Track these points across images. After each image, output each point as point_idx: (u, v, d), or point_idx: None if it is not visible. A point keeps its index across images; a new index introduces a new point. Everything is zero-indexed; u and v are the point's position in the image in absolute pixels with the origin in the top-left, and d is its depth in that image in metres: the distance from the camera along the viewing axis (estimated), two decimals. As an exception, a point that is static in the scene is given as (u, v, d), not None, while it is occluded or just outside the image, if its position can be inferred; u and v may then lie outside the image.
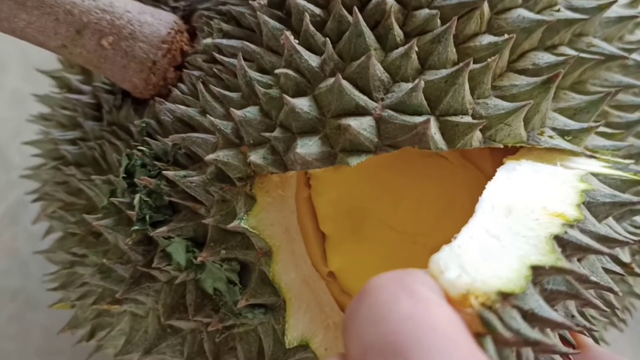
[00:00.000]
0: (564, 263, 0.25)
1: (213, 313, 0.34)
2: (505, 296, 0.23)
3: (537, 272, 0.25)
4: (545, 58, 0.35)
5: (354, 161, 0.30)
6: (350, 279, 0.37)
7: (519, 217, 0.27)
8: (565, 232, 0.26)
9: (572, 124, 0.35)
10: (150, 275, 0.35)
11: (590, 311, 0.41)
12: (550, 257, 0.25)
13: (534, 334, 0.23)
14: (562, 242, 0.26)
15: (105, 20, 0.35)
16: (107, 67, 0.36)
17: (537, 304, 0.24)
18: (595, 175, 0.32)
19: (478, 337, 0.22)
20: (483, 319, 0.22)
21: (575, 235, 0.27)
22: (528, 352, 0.26)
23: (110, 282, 0.36)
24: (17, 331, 0.55)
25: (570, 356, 0.32)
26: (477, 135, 0.32)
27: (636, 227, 0.39)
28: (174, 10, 0.39)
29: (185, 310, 0.34)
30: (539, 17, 0.35)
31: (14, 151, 0.60)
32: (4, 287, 0.56)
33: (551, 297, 0.27)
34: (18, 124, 0.60)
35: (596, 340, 0.43)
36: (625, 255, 0.39)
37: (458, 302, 0.22)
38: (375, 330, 0.20)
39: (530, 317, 0.24)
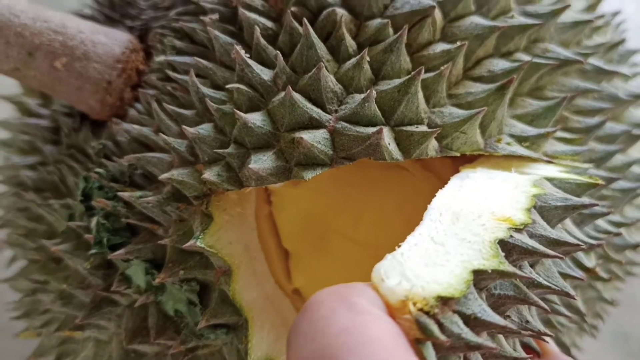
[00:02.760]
0: (506, 267, 0.25)
1: (175, 335, 0.33)
2: (445, 301, 0.23)
3: (480, 277, 0.24)
4: (500, 65, 0.35)
5: (309, 175, 0.29)
6: (316, 295, 0.37)
7: (465, 223, 0.27)
8: (511, 236, 0.26)
9: (530, 130, 0.35)
10: (111, 299, 0.34)
11: (559, 318, 0.41)
12: (493, 261, 0.25)
13: (475, 338, 0.23)
14: (507, 247, 0.26)
15: (57, 42, 0.35)
16: (62, 89, 0.36)
17: (480, 308, 0.24)
18: (550, 180, 0.32)
19: (417, 343, 0.22)
20: (420, 325, 0.22)
21: (522, 239, 0.27)
22: (477, 358, 0.26)
23: (72, 308, 0.35)
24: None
25: None
26: (433, 144, 0.32)
27: (600, 232, 0.39)
28: (130, 30, 0.39)
29: (148, 334, 0.33)
30: (492, 23, 0.35)
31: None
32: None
33: (500, 303, 0.27)
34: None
35: (567, 347, 0.43)
36: (590, 261, 0.38)
37: (397, 309, 0.22)
38: (312, 344, 0.20)
39: (474, 321, 0.24)
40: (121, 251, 0.32)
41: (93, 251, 0.33)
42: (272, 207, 0.36)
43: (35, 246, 0.38)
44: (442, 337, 0.22)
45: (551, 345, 0.34)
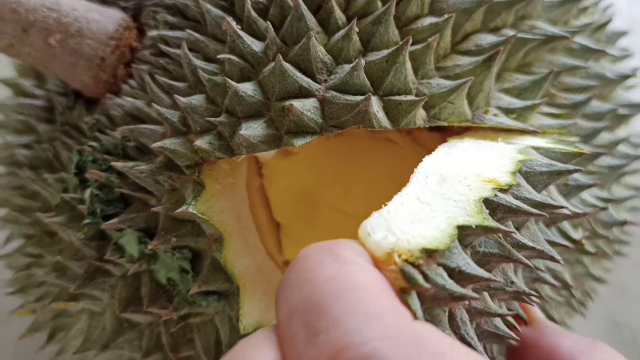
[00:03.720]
0: (490, 222, 0.25)
1: (167, 304, 0.34)
2: (430, 253, 0.23)
3: (465, 232, 0.25)
4: (487, 39, 0.36)
5: (299, 142, 0.30)
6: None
7: (451, 184, 0.28)
8: (495, 195, 0.27)
9: (517, 103, 0.36)
10: (104, 270, 0.34)
11: (547, 291, 0.42)
12: (477, 217, 0.25)
13: (459, 289, 0.23)
14: (491, 205, 0.27)
15: (51, 19, 0.35)
16: (56, 65, 0.36)
17: (464, 262, 0.25)
18: (536, 148, 0.33)
19: (402, 293, 0.22)
20: (405, 274, 0.22)
21: (506, 198, 0.28)
22: (462, 314, 0.27)
23: (66, 280, 0.36)
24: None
25: (520, 329, 0.32)
26: (421, 113, 0.33)
27: (586, 206, 0.40)
28: (124, 10, 0.40)
29: (141, 303, 0.34)
30: (479, -3, 0.35)
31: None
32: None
33: (484, 260, 0.27)
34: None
35: (555, 322, 0.43)
36: (576, 233, 0.39)
37: (383, 262, 0.23)
38: (299, 293, 0.21)
39: (458, 274, 0.24)
40: (114, 220, 0.33)
41: (87, 221, 0.33)
42: (263, 180, 0.36)
43: (30, 221, 0.39)
44: (426, 285, 0.23)
45: (537, 313, 0.35)
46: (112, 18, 0.37)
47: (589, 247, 0.41)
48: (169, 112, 0.32)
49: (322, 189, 0.37)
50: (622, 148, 0.46)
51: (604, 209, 0.41)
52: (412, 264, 0.23)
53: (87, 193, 0.34)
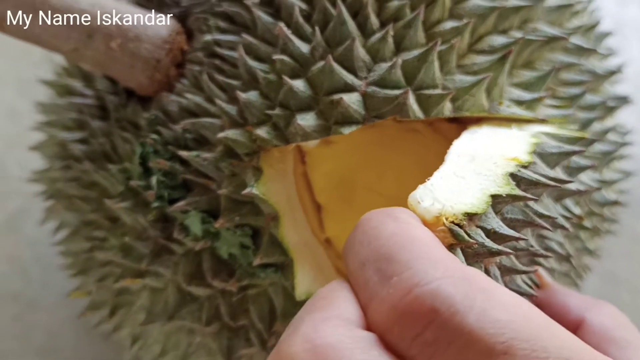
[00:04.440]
0: (517, 191, 0.31)
1: (227, 277, 0.38)
2: (470, 217, 0.28)
3: (496, 200, 0.30)
4: (499, 40, 0.41)
5: (346, 130, 0.35)
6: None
7: (480, 162, 0.33)
8: (519, 170, 0.32)
9: (525, 95, 0.41)
10: (168, 248, 0.39)
11: (552, 264, 0.47)
12: (506, 187, 0.31)
13: (496, 245, 0.29)
14: (516, 178, 0.32)
15: (113, 25, 0.39)
16: (116, 67, 0.40)
17: (497, 224, 0.30)
18: (544, 134, 0.38)
19: (450, 248, 0.27)
20: (453, 232, 0.27)
21: (528, 173, 0.33)
22: (495, 271, 0.32)
23: (132, 259, 0.40)
24: (19, 331, 0.58)
25: (534, 288, 0.37)
26: (448, 105, 0.37)
27: (585, 185, 0.45)
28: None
29: (203, 277, 0.38)
30: (491, 4, 0.40)
31: (12, 162, 0.63)
32: (6, 291, 0.59)
33: (511, 225, 0.32)
34: (13, 137, 0.63)
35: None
36: (577, 209, 0.45)
37: (432, 224, 0.28)
38: (368, 247, 0.25)
39: (493, 235, 0.30)
40: (181, 203, 0.37)
41: (155, 204, 0.37)
42: (306, 166, 0.41)
43: (92, 208, 0.42)
44: (471, 241, 0.28)
45: (547, 277, 0.40)
46: (164, 24, 0.41)
47: (586, 222, 0.47)
48: (228, 107, 0.37)
49: (358, 173, 0.41)
50: (611, 136, 0.52)
51: (598, 189, 0.46)
52: (458, 225, 0.28)
53: (154, 180, 0.38)
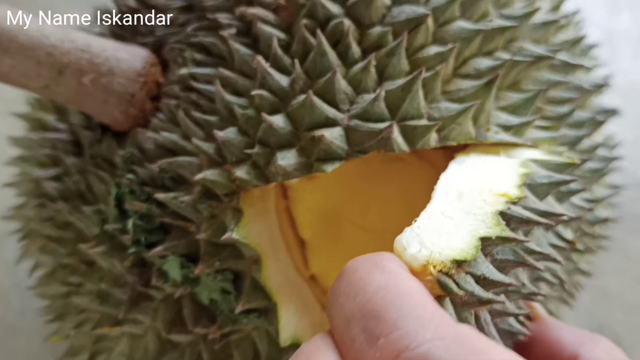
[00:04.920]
0: (507, 233, 0.29)
1: (209, 323, 0.36)
2: (459, 264, 0.27)
3: (486, 243, 0.29)
4: (484, 63, 0.40)
5: (329, 168, 0.33)
6: (330, 279, 0.40)
7: (469, 199, 0.31)
8: (509, 208, 0.31)
9: (513, 120, 0.40)
10: (147, 295, 0.37)
11: (543, 287, 0.46)
12: (496, 229, 0.29)
13: (486, 294, 0.27)
14: (506, 217, 0.31)
15: (84, 60, 0.38)
16: (88, 103, 0.39)
17: (487, 269, 0.28)
18: (534, 161, 0.37)
19: (438, 299, 0.26)
20: (441, 283, 0.26)
21: (518, 210, 0.31)
22: (485, 316, 0.30)
23: (109, 306, 0.38)
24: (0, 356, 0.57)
25: (527, 325, 0.36)
26: (434, 135, 0.36)
27: (575, 208, 0.44)
28: (143, 46, 0.42)
29: (183, 324, 0.36)
30: (476, 26, 0.39)
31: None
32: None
33: (502, 266, 0.31)
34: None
35: (551, 314, 0.48)
36: (569, 234, 0.43)
37: (420, 273, 0.26)
38: (354, 301, 0.24)
39: (483, 281, 0.28)
40: (159, 248, 0.35)
41: (132, 250, 0.36)
42: (288, 201, 0.39)
43: (67, 251, 0.41)
44: (460, 292, 0.26)
45: (540, 310, 0.39)
46: (138, 56, 0.40)
47: (578, 245, 0.45)
48: (205, 145, 0.35)
49: (342, 207, 0.40)
50: (600, 151, 0.51)
51: (590, 209, 0.45)
52: (446, 274, 0.27)
53: (130, 223, 0.36)
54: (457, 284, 0.27)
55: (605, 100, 0.54)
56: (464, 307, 0.28)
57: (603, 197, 0.51)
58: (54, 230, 0.42)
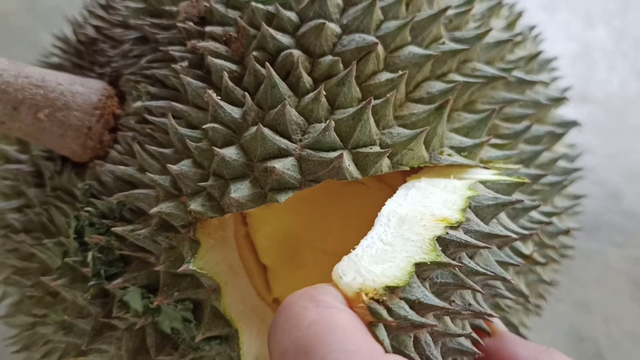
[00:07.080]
0: (442, 258, 0.30)
1: (172, 351, 0.37)
2: (392, 290, 0.28)
3: (422, 268, 0.30)
4: (437, 86, 0.41)
5: (283, 198, 0.34)
6: (294, 302, 0.41)
7: (410, 225, 0.32)
8: (447, 233, 0.32)
9: (467, 141, 0.41)
10: (110, 324, 0.37)
11: (505, 301, 0.47)
12: (431, 254, 0.30)
13: (419, 318, 0.28)
14: (444, 242, 0.32)
15: (39, 95, 0.38)
16: (46, 137, 0.39)
17: (422, 294, 0.29)
18: (483, 182, 0.37)
19: (372, 326, 0.27)
20: (372, 310, 0.27)
21: (457, 235, 0.32)
22: (426, 337, 0.31)
23: (73, 336, 0.38)
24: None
25: (484, 342, 0.37)
26: (386, 161, 0.37)
27: (534, 223, 0.45)
28: (100, 76, 0.43)
29: (147, 353, 0.37)
30: (427, 52, 0.40)
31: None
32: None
33: (442, 289, 0.32)
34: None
35: (515, 327, 0.49)
36: (527, 248, 0.44)
37: (354, 300, 0.27)
38: (288, 337, 0.25)
39: (418, 305, 0.29)
40: (119, 280, 0.36)
41: (92, 282, 0.36)
42: (248, 228, 0.40)
43: (31, 283, 0.41)
44: (390, 319, 0.27)
45: (500, 325, 0.40)
46: (94, 88, 0.40)
47: (539, 258, 0.46)
48: (161, 178, 0.36)
49: (302, 232, 0.41)
50: (561, 163, 0.52)
51: (549, 223, 0.46)
52: (377, 301, 0.28)
53: (90, 256, 0.36)
54: (389, 309, 0.28)
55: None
56: (399, 331, 0.29)
57: (564, 207, 0.52)
58: (18, 262, 0.42)
